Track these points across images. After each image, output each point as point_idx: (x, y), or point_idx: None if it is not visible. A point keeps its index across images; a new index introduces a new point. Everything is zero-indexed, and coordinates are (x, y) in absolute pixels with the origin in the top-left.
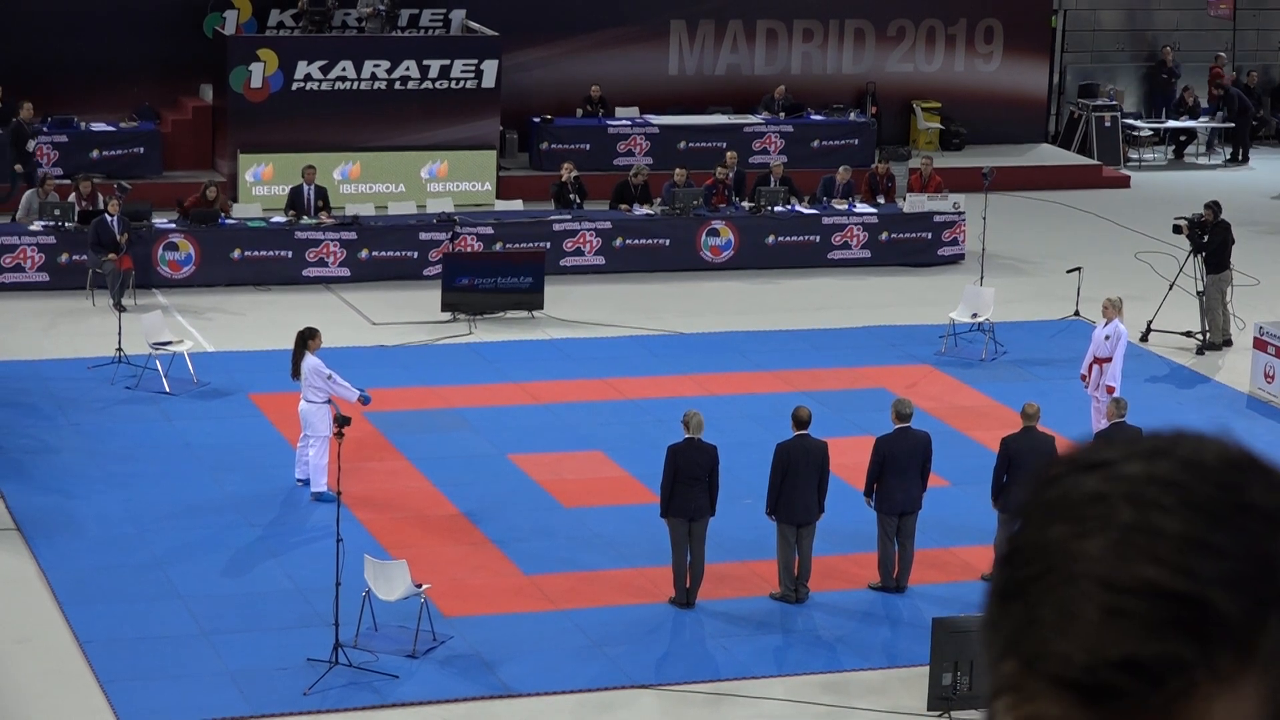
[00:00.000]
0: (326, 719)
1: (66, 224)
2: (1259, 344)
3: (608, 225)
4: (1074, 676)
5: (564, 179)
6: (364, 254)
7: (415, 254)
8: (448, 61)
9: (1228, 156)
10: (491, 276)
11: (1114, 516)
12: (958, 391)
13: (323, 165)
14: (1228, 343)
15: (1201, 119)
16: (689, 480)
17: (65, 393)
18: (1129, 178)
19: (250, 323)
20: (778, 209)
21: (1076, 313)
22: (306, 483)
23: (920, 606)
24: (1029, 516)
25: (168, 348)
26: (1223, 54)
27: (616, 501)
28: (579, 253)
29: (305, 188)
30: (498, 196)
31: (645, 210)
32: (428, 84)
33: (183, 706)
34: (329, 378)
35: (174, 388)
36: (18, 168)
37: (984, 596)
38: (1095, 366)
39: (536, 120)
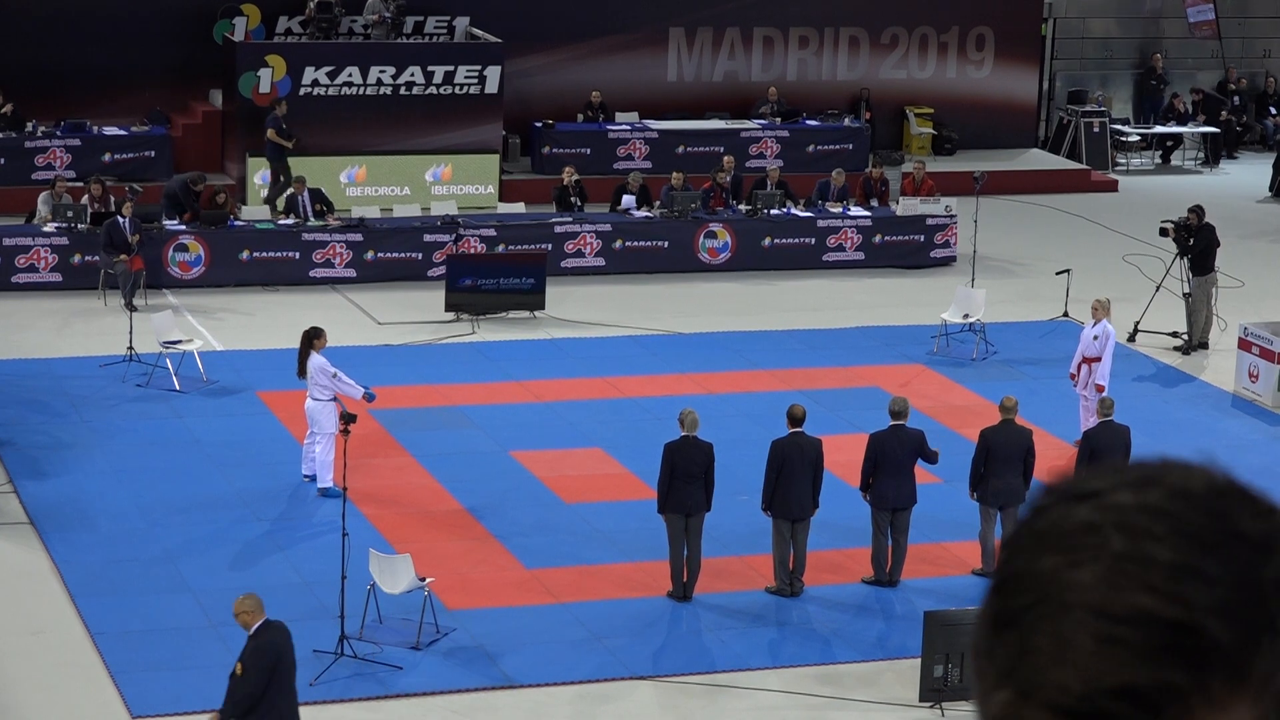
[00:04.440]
0: (332, 709)
1: (79, 225)
2: (1243, 344)
3: (608, 228)
4: (1071, 705)
5: (565, 182)
6: (369, 255)
7: (420, 255)
8: (452, 68)
9: (1201, 160)
10: (494, 277)
11: (1106, 545)
12: (949, 390)
13: (329, 168)
14: (1203, 345)
15: (1189, 125)
16: (685, 477)
17: (77, 390)
18: (1117, 182)
19: (258, 322)
20: (774, 212)
21: (1065, 313)
22: (313, 479)
23: (913, 600)
24: (1019, 547)
25: (178, 346)
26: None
27: (616, 497)
28: (580, 254)
29: (299, 196)
30: (500, 199)
31: (644, 212)
32: (432, 89)
33: (192, 697)
34: (334, 376)
35: (184, 385)
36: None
37: (976, 625)
38: (1084, 366)
39: (538, 125)
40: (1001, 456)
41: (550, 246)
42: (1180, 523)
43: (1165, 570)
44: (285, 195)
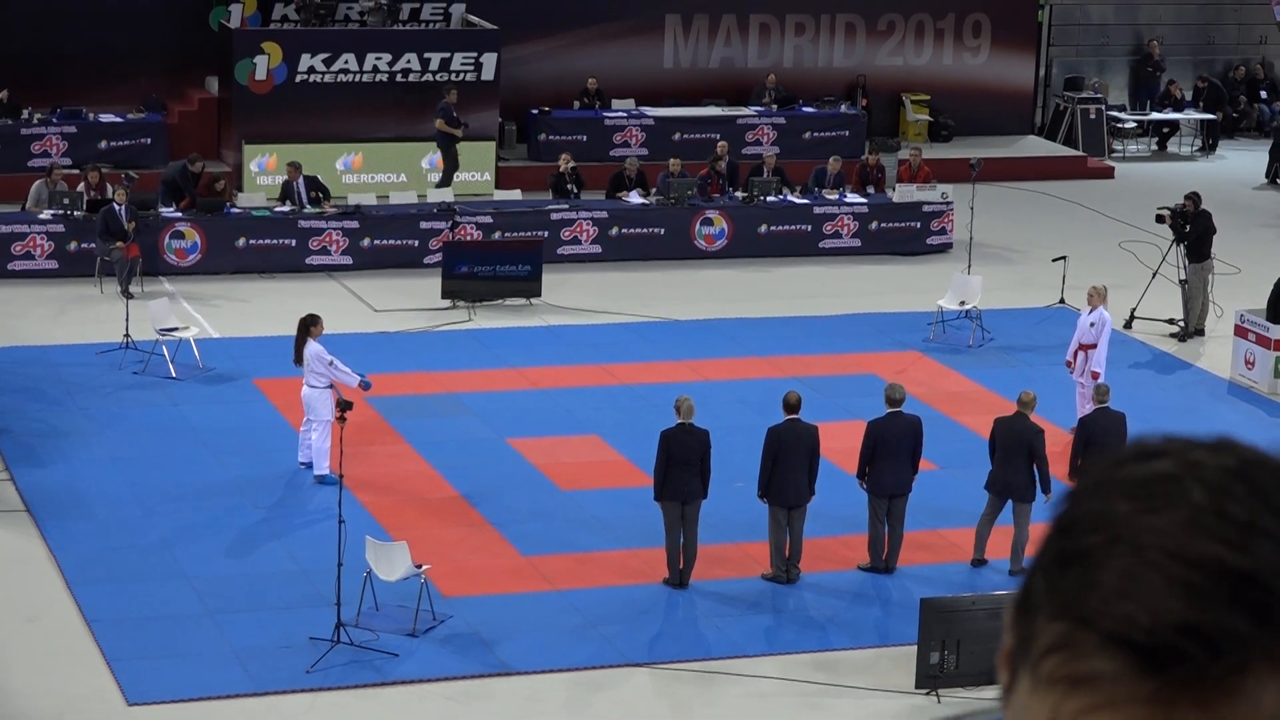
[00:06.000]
0: (328, 696)
1: (75, 213)
2: (1239, 331)
3: (604, 214)
4: (1135, 637)
5: (561, 169)
6: (366, 242)
7: (416, 242)
8: (448, 54)
9: (1197, 148)
10: (490, 264)
11: (1186, 496)
12: (945, 377)
13: (325, 156)
14: (1199, 332)
15: (1187, 111)
16: (681, 464)
17: (74, 378)
18: (1113, 168)
19: (254, 309)
20: (770, 199)
21: (1062, 300)
22: (309, 466)
23: (909, 587)
24: (1090, 493)
25: (174, 334)
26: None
27: (612, 484)
28: (576, 241)
29: (293, 183)
30: (497, 186)
31: (640, 199)
32: (428, 76)
33: (188, 684)
34: (331, 363)
35: (180, 373)
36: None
37: (1032, 567)
38: (1080, 353)
39: (535, 112)
40: (1001, 447)
41: (546, 233)
42: (1255, 486)
43: (1241, 527)
44: (281, 185)
